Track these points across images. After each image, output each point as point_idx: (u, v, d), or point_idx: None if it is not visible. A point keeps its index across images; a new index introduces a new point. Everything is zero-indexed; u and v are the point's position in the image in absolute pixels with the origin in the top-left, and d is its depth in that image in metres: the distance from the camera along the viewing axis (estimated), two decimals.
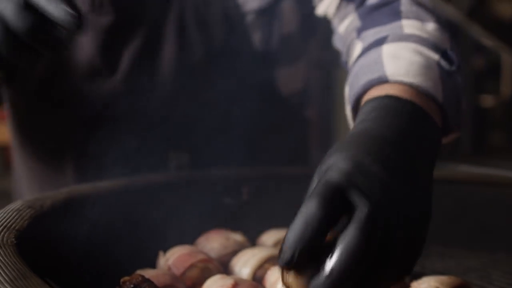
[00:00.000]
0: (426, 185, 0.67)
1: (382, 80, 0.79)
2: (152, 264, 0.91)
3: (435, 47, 0.84)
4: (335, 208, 0.59)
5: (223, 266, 0.91)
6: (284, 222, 0.99)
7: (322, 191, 0.59)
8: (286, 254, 0.58)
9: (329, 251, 0.58)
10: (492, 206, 1.10)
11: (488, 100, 4.36)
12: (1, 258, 0.65)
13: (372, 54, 0.85)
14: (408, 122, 0.71)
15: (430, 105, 0.76)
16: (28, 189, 1.24)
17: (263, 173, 1.11)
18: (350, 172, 0.61)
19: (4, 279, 0.60)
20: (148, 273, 0.81)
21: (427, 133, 0.72)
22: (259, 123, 1.19)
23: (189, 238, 0.97)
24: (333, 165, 0.63)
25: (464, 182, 1.14)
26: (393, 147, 0.66)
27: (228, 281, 0.79)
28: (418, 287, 0.82)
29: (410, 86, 0.77)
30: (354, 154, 0.63)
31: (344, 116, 0.91)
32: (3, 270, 0.62)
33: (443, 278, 0.83)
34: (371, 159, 0.63)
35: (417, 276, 0.87)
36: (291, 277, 0.61)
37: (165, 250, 0.92)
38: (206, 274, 0.86)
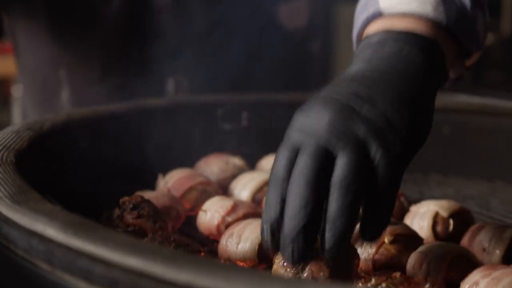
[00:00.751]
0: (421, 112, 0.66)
1: (377, 15, 0.76)
2: (152, 187, 0.91)
3: None
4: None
5: (222, 190, 0.92)
6: None
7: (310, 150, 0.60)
8: None
9: None
10: (491, 135, 1.10)
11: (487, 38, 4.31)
12: (0, 176, 0.65)
13: None
14: (396, 53, 0.69)
15: (432, 29, 0.73)
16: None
17: (262, 98, 1.11)
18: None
19: (4, 194, 0.60)
20: (147, 194, 0.81)
21: (422, 58, 0.70)
22: (262, 54, 1.18)
23: (188, 162, 0.97)
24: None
25: (463, 111, 1.13)
26: (370, 86, 0.65)
27: (227, 202, 0.80)
28: (417, 211, 0.83)
29: (404, 14, 0.74)
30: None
31: (344, 50, 0.90)
32: (3, 186, 0.62)
33: (443, 203, 0.83)
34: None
35: (416, 201, 0.87)
36: None
37: (164, 173, 0.92)
38: (205, 196, 0.86)
